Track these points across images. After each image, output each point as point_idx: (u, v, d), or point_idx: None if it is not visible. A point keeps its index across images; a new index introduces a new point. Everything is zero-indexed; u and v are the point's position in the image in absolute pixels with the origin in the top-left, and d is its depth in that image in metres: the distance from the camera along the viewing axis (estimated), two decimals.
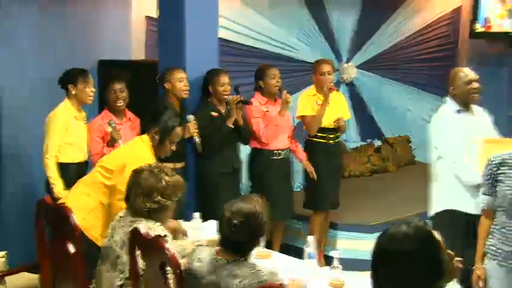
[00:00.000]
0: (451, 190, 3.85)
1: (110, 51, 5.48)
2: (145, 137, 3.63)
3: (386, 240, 1.87)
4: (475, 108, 4.00)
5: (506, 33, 7.45)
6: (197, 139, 4.42)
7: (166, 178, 2.93)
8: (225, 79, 4.63)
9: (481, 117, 4.01)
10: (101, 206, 3.47)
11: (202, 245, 2.85)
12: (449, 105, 3.97)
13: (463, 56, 8.08)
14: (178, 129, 3.68)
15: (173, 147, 3.69)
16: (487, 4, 7.41)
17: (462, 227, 3.71)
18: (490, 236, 3.21)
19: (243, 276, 2.39)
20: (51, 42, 5.12)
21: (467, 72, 3.95)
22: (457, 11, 7.96)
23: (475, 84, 3.89)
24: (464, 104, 3.92)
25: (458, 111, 3.91)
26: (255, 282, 2.38)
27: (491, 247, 3.20)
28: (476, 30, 7.54)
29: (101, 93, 4.74)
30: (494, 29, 7.45)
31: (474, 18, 7.53)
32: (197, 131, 4.42)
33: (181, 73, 4.51)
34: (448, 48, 7.98)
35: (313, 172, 4.97)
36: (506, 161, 3.16)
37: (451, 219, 3.74)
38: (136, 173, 2.98)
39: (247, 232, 2.47)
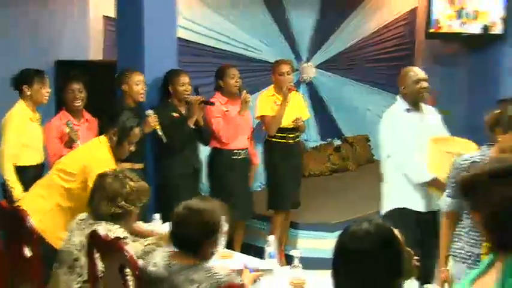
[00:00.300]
0: (401, 189, 3.89)
1: (67, 51, 5.40)
2: (103, 138, 3.59)
3: (347, 238, 1.88)
4: (424, 107, 4.05)
5: (460, 33, 7.62)
6: (160, 131, 4.40)
7: (131, 183, 2.91)
8: (185, 79, 4.61)
9: (430, 116, 4.05)
10: (58, 208, 3.42)
11: (150, 244, 2.83)
12: (399, 104, 4.00)
13: (420, 56, 8.22)
14: (137, 130, 3.64)
15: (132, 148, 3.65)
16: (437, 5, 7.57)
17: (412, 225, 3.76)
18: (457, 239, 3.14)
19: (200, 281, 2.35)
20: (4, 42, 5.01)
21: (416, 72, 4.00)
22: (413, 11, 8.08)
23: (424, 84, 3.94)
24: (414, 103, 3.96)
25: (408, 110, 3.95)
26: (213, 286, 2.36)
27: (459, 250, 3.12)
28: (431, 31, 7.69)
29: (58, 94, 4.67)
30: (444, 30, 7.61)
31: (428, 19, 7.68)
32: (158, 123, 4.39)
33: (139, 76, 4.47)
34: (405, 48, 8.09)
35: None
36: (475, 165, 3.13)
37: (401, 217, 3.75)
38: (101, 177, 2.95)
39: (192, 227, 2.43)
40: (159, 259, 2.51)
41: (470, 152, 3.29)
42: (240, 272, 2.80)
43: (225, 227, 2.56)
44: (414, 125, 3.91)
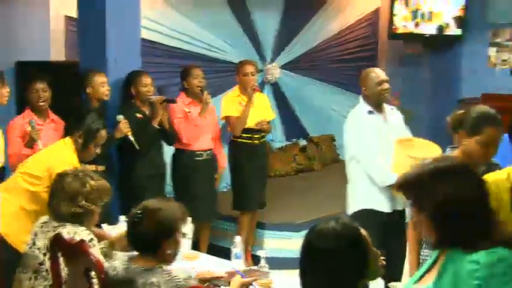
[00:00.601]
0: (365, 190, 3.90)
1: (28, 52, 5.30)
2: (68, 140, 3.54)
3: (314, 237, 1.89)
4: (386, 107, 4.07)
5: (422, 34, 7.74)
6: (131, 137, 4.35)
7: (92, 182, 2.87)
8: (147, 80, 4.58)
9: (392, 117, 4.06)
10: (22, 211, 3.34)
11: (103, 248, 2.80)
12: (361, 106, 4.00)
13: (383, 57, 8.32)
14: (103, 132, 3.61)
15: (98, 150, 3.61)
16: (394, 7, 7.70)
17: (377, 225, 3.77)
18: (426, 246, 3.09)
19: (159, 284, 2.34)
20: None
21: (378, 73, 4.01)
22: (376, 12, 8.17)
23: (386, 85, 3.96)
24: (376, 104, 3.97)
25: (370, 112, 3.95)
26: None
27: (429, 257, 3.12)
28: (394, 32, 7.80)
29: (20, 95, 4.58)
30: (399, 31, 7.74)
31: (391, 20, 7.78)
32: (129, 129, 4.35)
33: (102, 77, 4.42)
34: (368, 49, 8.17)
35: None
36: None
37: (367, 218, 3.75)
38: (61, 176, 2.90)
39: (147, 227, 2.42)
40: (118, 263, 2.49)
41: (435, 153, 3.33)
42: (231, 276, 2.79)
43: (188, 227, 2.54)
44: (377, 127, 3.92)
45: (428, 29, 7.72)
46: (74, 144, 3.50)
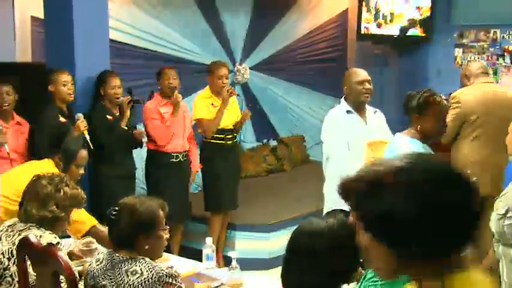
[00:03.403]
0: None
1: None
2: (49, 162, 3.50)
3: (300, 236, 1.88)
4: (368, 108, 4.09)
5: (390, 35, 7.82)
6: (87, 137, 4.29)
7: (66, 189, 2.83)
8: (116, 82, 4.55)
9: (372, 119, 4.09)
10: None
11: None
12: (341, 106, 4.04)
13: (351, 57, 8.38)
14: (83, 153, 3.57)
15: (82, 171, 3.57)
16: (362, 8, 7.78)
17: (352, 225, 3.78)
18: None
19: (141, 272, 2.36)
20: None
21: (359, 73, 4.04)
22: (345, 13, 8.23)
23: (367, 85, 3.99)
24: (356, 104, 4.00)
25: (348, 112, 3.98)
26: (154, 277, 2.35)
27: None
28: (362, 33, 7.87)
29: None
30: (362, 32, 7.81)
31: (359, 21, 7.84)
32: (86, 128, 4.29)
33: (65, 76, 4.36)
34: (337, 50, 8.23)
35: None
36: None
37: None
38: (35, 179, 2.85)
39: (124, 220, 2.43)
40: (102, 255, 2.52)
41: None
42: None
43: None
44: (353, 127, 3.93)
45: (391, 30, 7.81)
46: (56, 167, 3.45)
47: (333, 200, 3.95)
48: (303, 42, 7.79)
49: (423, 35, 7.81)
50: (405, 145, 3.26)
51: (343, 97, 4.09)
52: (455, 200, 1.27)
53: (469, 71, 4.71)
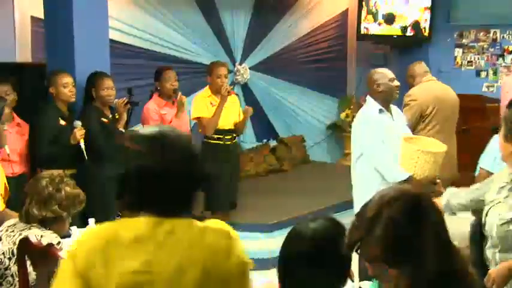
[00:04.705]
0: (376, 187, 3.90)
1: None
2: None
3: (292, 240, 1.88)
4: (392, 107, 4.16)
5: (390, 35, 7.83)
6: (82, 146, 4.26)
7: (67, 189, 2.83)
8: (108, 83, 4.47)
9: (398, 117, 4.18)
10: None
11: None
12: (371, 105, 4.05)
13: (352, 57, 8.38)
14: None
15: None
16: (362, 8, 7.79)
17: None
18: None
19: None
20: None
21: (386, 71, 4.10)
22: (345, 13, 8.23)
23: (397, 82, 4.07)
24: (387, 103, 4.06)
25: (380, 111, 4.02)
26: None
27: None
28: (362, 33, 7.87)
29: None
30: (362, 32, 7.82)
31: (359, 20, 7.85)
32: (83, 136, 4.27)
33: (66, 78, 4.32)
34: (337, 50, 8.23)
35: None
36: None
37: None
38: (36, 180, 2.85)
39: None
40: None
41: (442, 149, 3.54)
42: None
43: None
44: (386, 125, 3.99)
45: (391, 30, 7.81)
46: None
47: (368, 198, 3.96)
48: (303, 42, 7.79)
49: (423, 35, 7.81)
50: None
51: (368, 97, 4.10)
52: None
53: (414, 71, 5.30)
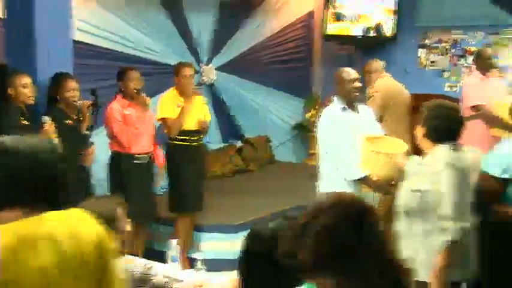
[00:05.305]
0: (336, 185, 3.95)
1: None
2: None
3: (250, 241, 1.89)
4: (359, 106, 4.24)
5: (354, 36, 7.90)
6: (56, 141, 4.23)
7: None
8: (72, 84, 4.42)
9: (364, 115, 4.25)
10: None
11: None
12: (335, 104, 4.18)
13: (317, 58, 8.43)
14: None
15: None
16: (327, 9, 7.86)
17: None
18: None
19: None
20: None
21: (350, 72, 4.19)
22: (311, 14, 8.28)
23: (357, 83, 4.15)
24: (349, 102, 4.14)
25: (343, 109, 4.12)
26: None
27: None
28: (327, 33, 7.93)
29: None
30: (330, 32, 7.90)
31: (324, 21, 7.91)
32: (54, 132, 4.22)
33: (25, 79, 4.24)
34: (303, 50, 8.28)
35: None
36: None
37: None
38: None
39: None
40: None
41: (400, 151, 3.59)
42: None
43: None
44: (350, 123, 4.07)
45: (355, 31, 7.89)
46: None
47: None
48: (269, 43, 7.81)
49: (387, 36, 7.90)
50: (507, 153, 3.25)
51: (335, 96, 4.22)
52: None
53: (371, 67, 5.70)
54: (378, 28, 7.87)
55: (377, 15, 7.85)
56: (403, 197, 3.14)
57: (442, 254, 2.94)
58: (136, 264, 3.13)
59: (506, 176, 3.08)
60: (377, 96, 5.35)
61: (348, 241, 1.45)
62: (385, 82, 5.61)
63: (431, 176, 3.03)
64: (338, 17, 7.89)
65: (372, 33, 7.88)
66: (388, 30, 7.88)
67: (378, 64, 5.76)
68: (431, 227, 2.99)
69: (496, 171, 3.12)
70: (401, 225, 3.14)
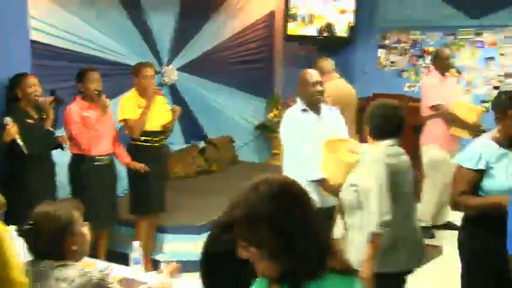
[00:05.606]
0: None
1: None
2: None
3: (208, 241, 1.90)
4: (323, 108, 4.26)
5: (314, 37, 7.97)
6: (20, 141, 4.16)
7: None
8: (33, 81, 4.40)
9: (328, 117, 4.25)
10: None
11: None
12: (297, 105, 4.22)
13: (279, 58, 8.47)
14: None
15: None
16: (288, 9, 7.92)
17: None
18: None
19: (73, 278, 2.31)
20: None
21: (312, 75, 4.22)
22: (272, 14, 8.31)
23: (319, 87, 4.17)
24: (311, 104, 4.17)
25: (304, 111, 4.15)
26: (86, 283, 2.31)
27: None
28: (288, 33, 7.98)
29: None
30: (289, 33, 7.96)
31: (285, 21, 7.95)
32: (17, 132, 4.16)
33: None
34: (265, 50, 8.30)
35: (142, 168, 4.91)
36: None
37: None
38: None
39: (43, 232, 2.38)
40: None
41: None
42: None
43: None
44: (310, 125, 4.10)
45: (311, 31, 7.96)
46: None
47: None
48: (231, 43, 7.81)
49: (347, 36, 7.99)
50: (477, 146, 3.29)
51: (298, 97, 4.25)
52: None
53: (323, 68, 5.62)
54: (329, 28, 7.94)
55: (331, 15, 7.93)
56: (343, 191, 3.37)
57: (368, 246, 3.13)
58: (97, 267, 3.10)
59: (481, 167, 3.17)
60: (329, 101, 5.24)
61: (276, 215, 1.53)
62: (336, 84, 5.63)
63: (364, 171, 3.23)
64: (293, 18, 7.95)
65: (326, 34, 7.95)
66: (340, 30, 7.95)
67: (328, 64, 5.71)
68: (365, 220, 3.18)
69: (469, 164, 3.21)
70: (346, 218, 3.36)
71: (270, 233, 1.53)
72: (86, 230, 2.50)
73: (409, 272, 3.41)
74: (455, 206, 3.31)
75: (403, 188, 3.27)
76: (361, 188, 3.22)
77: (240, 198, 1.59)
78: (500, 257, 2.86)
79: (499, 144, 3.21)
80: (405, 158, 3.34)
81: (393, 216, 3.14)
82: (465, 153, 3.30)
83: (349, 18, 7.93)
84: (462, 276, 3.40)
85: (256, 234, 1.54)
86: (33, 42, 4.87)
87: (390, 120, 3.29)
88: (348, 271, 1.61)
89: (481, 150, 3.21)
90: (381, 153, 3.23)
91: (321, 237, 1.59)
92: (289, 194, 1.59)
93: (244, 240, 1.58)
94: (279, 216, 1.54)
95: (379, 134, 3.30)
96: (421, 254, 3.47)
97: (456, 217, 6.01)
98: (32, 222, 2.40)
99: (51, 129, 4.44)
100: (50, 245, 2.39)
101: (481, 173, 3.18)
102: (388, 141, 3.28)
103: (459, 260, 3.42)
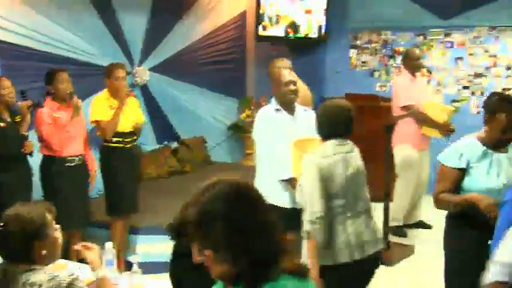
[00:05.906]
0: (268, 184, 3.99)
1: None
2: None
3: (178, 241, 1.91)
4: (297, 108, 4.26)
5: (285, 37, 8.00)
6: None
7: None
8: (7, 83, 4.39)
9: (302, 117, 4.24)
10: None
11: None
12: (271, 104, 4.24)
13: (251, 58, 8.48)
14: None
15: None
16: (259, 10, 7.96)
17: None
18: None
19: (41, 283, 2.26)
20: None
21: (285, 75, 4.22)
22: (243, 14, 8.31)
23: (292, 86, 4.17)
24: (284, 104, 4.18)
25: (277, 110, 4.16)
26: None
27: None
28: (260, 34, 7.99)
29: None
30: (260, 33, 7.99)
31: (257, 22, 7.96)
32: None
33: None
34: (237, 51, 8.30)
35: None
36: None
37: None
38: None
39: (12, 234, 2.34)
40: None
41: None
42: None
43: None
44: (283, 125, 4.11)
45: (276, 31, 7.99)
46: None
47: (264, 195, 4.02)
48: (203, 44, 7.79)
49: (317, 36, 8.03)
50: (460, 144, 3.32)
51: (271, 96, 4.27)
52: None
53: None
54: (294, 28, 7.98)
55: (296, 15, 7.97)
56: (297, 191, 3.45)
57: (307, 242, 3.22)
58: (68, 269, 3.07)
59: (462, 166, 3.22)
60: None
61: (227, 217, 1.54)
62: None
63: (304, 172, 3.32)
64: (261, 18, 7.97)
65: (298, 34, 7.99)
66: (306, 31, 7.99)
67: (284, 63, 5.46)
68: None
69: (451, 162, 3.26)
70: (302, 217, 3.39)
71: (226, 233, 1.53)
72: (58, 233, 2.46)
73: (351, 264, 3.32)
74: (436, 203, 3.35)
75: (336, 187, 3.27)
76: (302, 187, 3.30)
77: (195, 199, 1.59)
78: (484, 250, 2.88)
79: (484, 144, 3.26)
80: (353, 156, 3.36)
81: (326, 214, 3.19)
82: (447, 151, 3.34)
83: (318, 18, 7.97)
84: (445, 270, 3.44)
85: (212, 234, 1.53)
86: (0, 42, 4.79)
87: (336, 120, 3.33)
88: (302, 271, 1.61)
89: (463, 149, 3.26)
90: (317, 153, 3.28)
91: (275, 238, 1.59)
92: (243, 194, 1.60)
93: (199, 243, 1.57)
94: (234, 216, 1.54)
95: (326, 134, 3.35)
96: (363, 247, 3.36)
97: (428, 216, 6.12)
98: (2, 224, 2.36)
99: (25, 134, 4.39)
100: (20, 248, 2.35)
101: (463, 172, 3.23)
102: (334, 141, 3.31)
103: (431, 259, 3.46)
